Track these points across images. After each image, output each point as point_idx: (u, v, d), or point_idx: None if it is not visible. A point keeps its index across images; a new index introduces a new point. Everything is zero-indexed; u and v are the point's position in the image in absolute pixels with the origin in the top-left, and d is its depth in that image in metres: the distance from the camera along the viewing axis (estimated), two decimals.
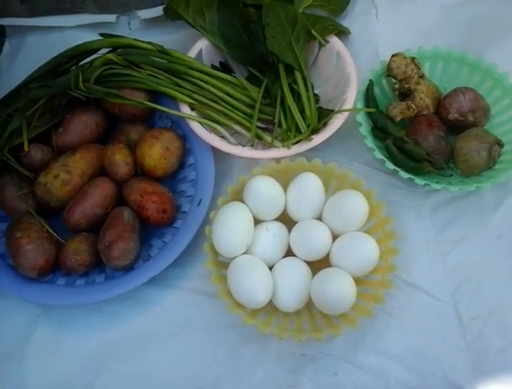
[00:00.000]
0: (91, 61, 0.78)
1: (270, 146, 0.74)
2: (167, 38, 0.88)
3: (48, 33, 0.94)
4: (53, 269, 0.69)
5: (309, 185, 0.68)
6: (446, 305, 0.67)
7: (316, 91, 0.80)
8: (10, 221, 0.70)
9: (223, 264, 0.66)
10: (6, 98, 0.78)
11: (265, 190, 0.67)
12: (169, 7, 0.83)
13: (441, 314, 0.67)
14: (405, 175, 0.70)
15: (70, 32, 0.93)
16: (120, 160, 0.72)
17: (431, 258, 0.71)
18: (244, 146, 0.76)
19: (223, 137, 0.76)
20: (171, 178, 0.77)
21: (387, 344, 0.65)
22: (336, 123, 0.73)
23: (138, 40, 0.79)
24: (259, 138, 0.76)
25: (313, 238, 0.65)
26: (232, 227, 0.64)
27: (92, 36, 0.80)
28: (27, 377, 0.66)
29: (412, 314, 0.67)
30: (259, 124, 0.77)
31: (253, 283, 0.62)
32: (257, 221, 0.68)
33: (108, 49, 0.79)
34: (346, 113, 0.73)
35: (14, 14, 0.95)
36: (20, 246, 0.66)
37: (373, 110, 0.73)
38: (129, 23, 0.93)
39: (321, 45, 0.82)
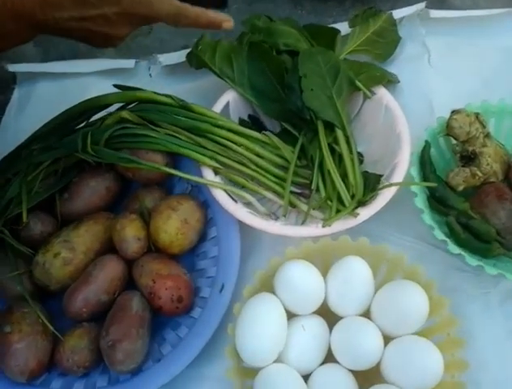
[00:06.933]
0: (104, 118, 0.68)
1: (305, 215, 0.63)
2: (190, 85, 0.80)
3: (61, 79, 0.86)
4: (48, 368, 0.58)
5: (355, 275, 0.56)
6: None
7: (358, 150, 0.69)
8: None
9: (248, 372, 0.54)
10: (6, 160, 0.69)
11: (300, 279, 0.55)
12: (193, 54, 0.73)
13: None
14: (473, 262, 0.57)
15: (85, 78, 0.84)
16: (130, 235, 0.62)
17: (504, 363, 0.58)
18: (275, 213, 0.66)
19: (250, 203, 0.65)
20: (189, 253, 0.66)
21: None
22: (387, 194, 0.61)
23: (157, 94, 0.69)
24: (293, 205, 0.65)
25: (361, 343, 0.53)
26: (261, 331, 0.52)
27: (109, 83, 0.71)
28: None
29: None
30: (294, 188, 0.65)
31: None
32: (290, 315, 0.56)
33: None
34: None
35: (25, 58, 0.88)
36: (10, 344, 0.56)
37: (434, 185, 0.61)
38: (149, 68, 0.84)
39: (366, 97, 0.71)
